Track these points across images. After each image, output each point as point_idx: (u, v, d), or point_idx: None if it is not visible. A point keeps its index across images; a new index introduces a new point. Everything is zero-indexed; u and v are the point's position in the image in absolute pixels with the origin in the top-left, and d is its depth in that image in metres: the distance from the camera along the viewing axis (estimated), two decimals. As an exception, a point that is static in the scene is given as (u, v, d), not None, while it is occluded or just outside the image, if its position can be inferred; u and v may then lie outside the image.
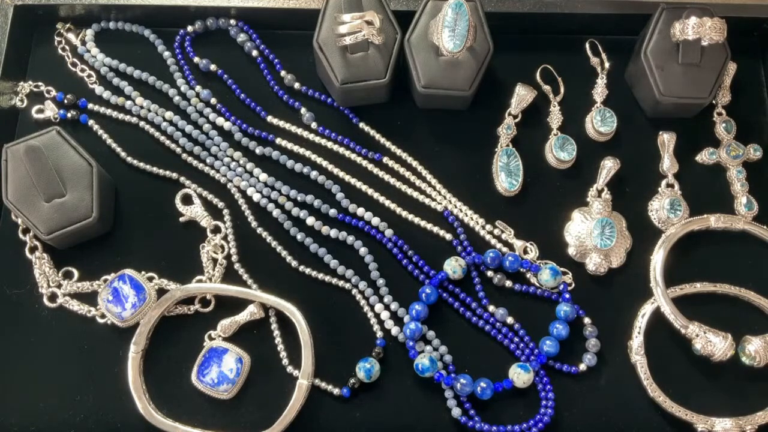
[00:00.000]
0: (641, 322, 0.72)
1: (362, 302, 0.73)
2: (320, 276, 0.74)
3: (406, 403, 0.70)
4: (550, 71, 0.81)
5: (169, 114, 0.78)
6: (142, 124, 0.78)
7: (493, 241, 0.75)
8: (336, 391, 0.70)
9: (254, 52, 0.81)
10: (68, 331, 0.72)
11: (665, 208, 0.75)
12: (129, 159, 0.77)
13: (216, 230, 0.75)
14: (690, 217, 0.76)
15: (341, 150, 0.78)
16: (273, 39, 0.81)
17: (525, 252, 0.75)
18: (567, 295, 0.73)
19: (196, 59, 0.80)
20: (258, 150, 0.77)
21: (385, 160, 0.78)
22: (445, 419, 0.70)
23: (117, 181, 0.76)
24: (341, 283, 0.74)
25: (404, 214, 0.76)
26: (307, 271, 0.74)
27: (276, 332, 0.72)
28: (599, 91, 0.80)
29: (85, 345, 0.71)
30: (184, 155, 0.77)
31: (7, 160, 0.71)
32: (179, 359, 0.71)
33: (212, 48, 0.81)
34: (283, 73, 0.80)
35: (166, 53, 0.80)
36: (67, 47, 0.81)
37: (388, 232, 0.75)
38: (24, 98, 0.79)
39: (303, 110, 0.79)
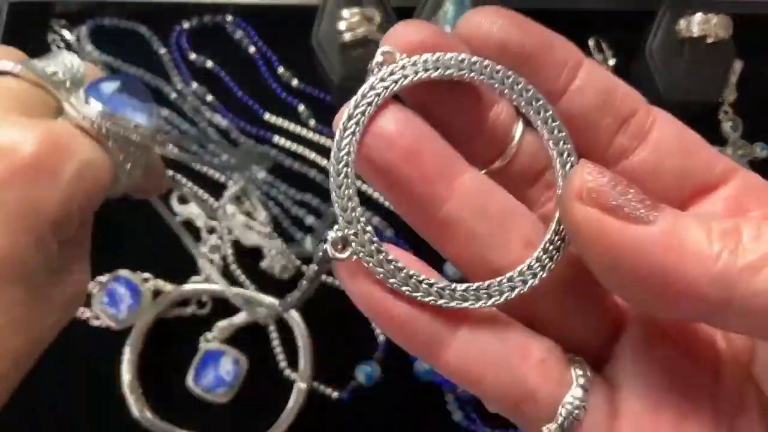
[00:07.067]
0: (646, 324, 0.71)
1: (362, 304, 0.72)
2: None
3: (406, 407, 0.70)
4: (553, 68, 0.80)
5: (165, 111, 0.77)
6: (137, 122, 0.77)
7: (495, 242, 0.74)
8: (335, 394, 0.69)
9: (251, 49, 0.80)
10: (62, 333, 0.70)
11: (670, 208, 0.74)
12: (124, 157, 0.76)
13: (212, 230, 0.74)
14: (695, 217, 0.75)
15: (340, 148, 0.77)
16: (271, 35, 0.80)
17: (527, 252, 0.74)
18: (570, 297, 0.72)
19: (192, 56, 0.79)
20: (256, 148, 0.76)
21: (385, 158, 0.77)
22: (447, 423, 0.69)
23: (112, 180, 0.75)
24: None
25: (404, 213, 0.75)
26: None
27: (274, 334, 0.71)
28: (603, 89, 0.79)
29: (80, 347, 0.70)
30: (181, 154, 0.76)
31: (0, 158, 0.70)
32: (175, 362, 0.70)
33: (209, 44, 0.80)
34: (281, 70, 0.79)
35: (162, 50, 0.79)
36: (62, 44, 0.80)
37: (388, 232, 0.74)
38: (18, 95, 0.78)
39: (301, 108, 0.78)
